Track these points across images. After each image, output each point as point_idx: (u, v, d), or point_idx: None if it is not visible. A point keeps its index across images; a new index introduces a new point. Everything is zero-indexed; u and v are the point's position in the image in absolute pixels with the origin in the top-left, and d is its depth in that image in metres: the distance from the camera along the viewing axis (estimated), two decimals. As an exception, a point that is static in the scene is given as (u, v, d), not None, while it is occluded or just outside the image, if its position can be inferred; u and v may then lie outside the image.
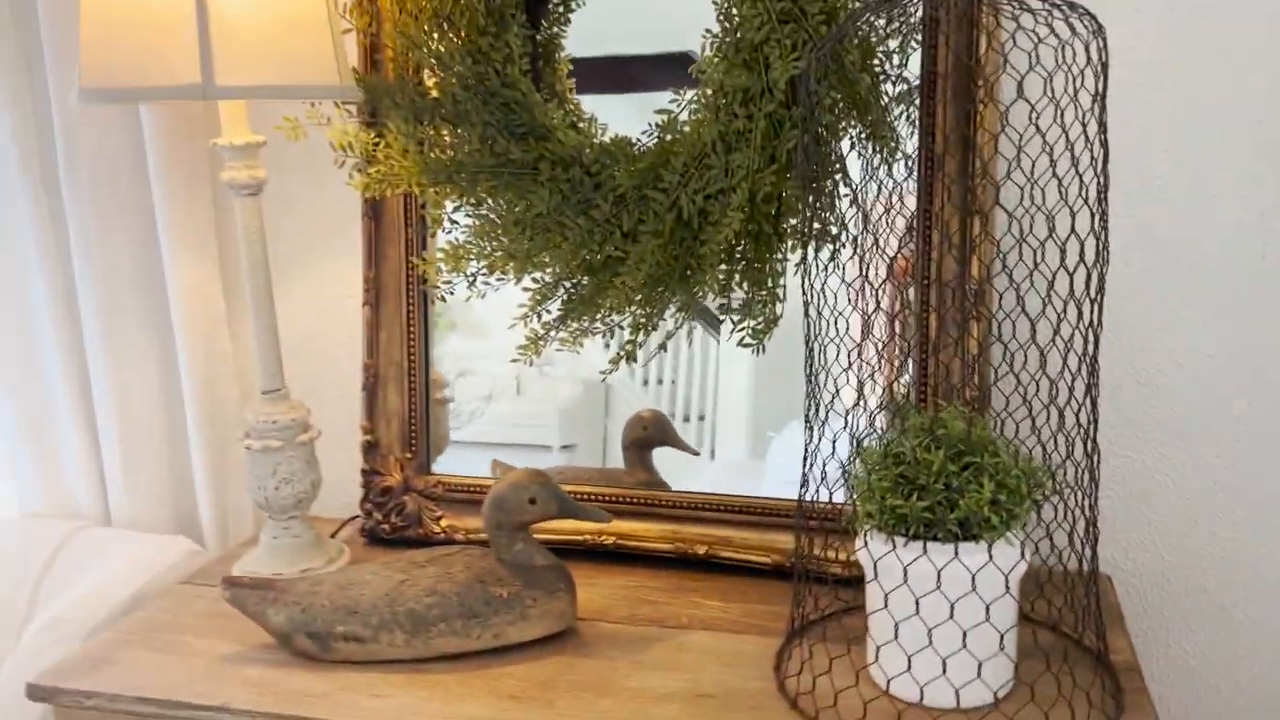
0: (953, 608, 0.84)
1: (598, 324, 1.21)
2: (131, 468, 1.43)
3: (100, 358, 1.40)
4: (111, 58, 0.98)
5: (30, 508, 1.52)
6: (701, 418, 1.35)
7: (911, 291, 1.11)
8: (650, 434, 1.35)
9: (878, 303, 0.97)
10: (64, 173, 1.35)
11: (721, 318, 1.19)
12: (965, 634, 0.84)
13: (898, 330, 1.10)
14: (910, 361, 1.11)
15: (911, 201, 1.10)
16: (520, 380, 1.42)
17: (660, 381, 1.38)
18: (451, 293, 1.24)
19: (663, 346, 1.23)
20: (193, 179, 1.35)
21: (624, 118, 1.22)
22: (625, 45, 1.29)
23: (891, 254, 1.00)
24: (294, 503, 1.18)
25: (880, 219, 1.00)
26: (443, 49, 1.16)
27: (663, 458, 1.33)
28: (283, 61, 1.01)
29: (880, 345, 1.03)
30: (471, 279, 1.22)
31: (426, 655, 1.02)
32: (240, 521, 1.45)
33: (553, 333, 1.22)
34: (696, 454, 1.35)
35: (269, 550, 1.20)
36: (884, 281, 1.01)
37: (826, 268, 0.95)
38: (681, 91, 1.15)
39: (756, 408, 1.35)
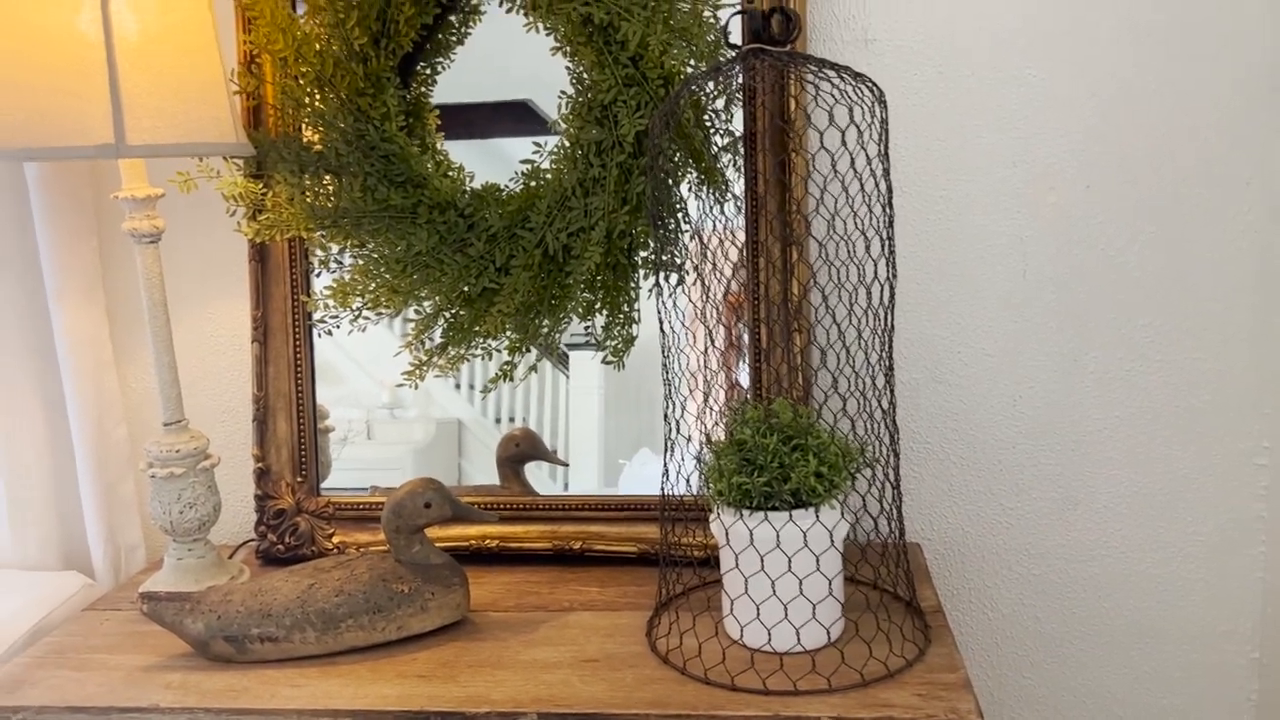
0: (790, 561, 1.02)
1: (475, 349, 1.36)
2: (19, 511, 1.47)
3: (-16, 405, 1.45)
4: (23, 119, 1.07)
5: (-94, 557, 1.53)
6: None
7: (744, 308, 1.31)
8: (522, 449, 1.48)
9: (718, 318, 1.17)
10: (-56, 225, 1.40)
11: (587, 341, 1.36)
12: (801, 582, 1.03)
13: (734, 340, 1.29)
14: (745, 365, 1.31)
15: (740, 235, 1.30)
16: (371, 425, 1.50)
17: (512, 419, 1.48)
18: (336, 328, 1.36)
19: (533, 368, 1.39)
20: (79, 229, 1.42)
21: (465, 160, 1.35)
22: (467, 95, 1.39)
23: (726, 278, 1.20)
24: (197, 525, 1.27)
25: (715, 250, 1.20)
26: (324, 108, 1.29)
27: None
28: (185, 122, 1.12)
29: (720, 353, 1.22)
30: (356, 313, 1.35)
31: (337, 649, 1.13)
32: (132, 557, 1.51)
33: (434, 358, 1.35)
34: (565, 465, 1.50)
35: (174, 571, 1.28)
36: (721, 300, 1.20)
37: (674, 291, 1.14)
38: (542, 143, 1.32)
39: (607, 438, 1.47)
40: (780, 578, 1.03)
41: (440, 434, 1.51)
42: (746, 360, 1.31)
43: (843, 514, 1.06)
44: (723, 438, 1.13)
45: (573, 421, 1.47)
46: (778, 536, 1.02)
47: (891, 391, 1.10)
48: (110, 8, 1.07)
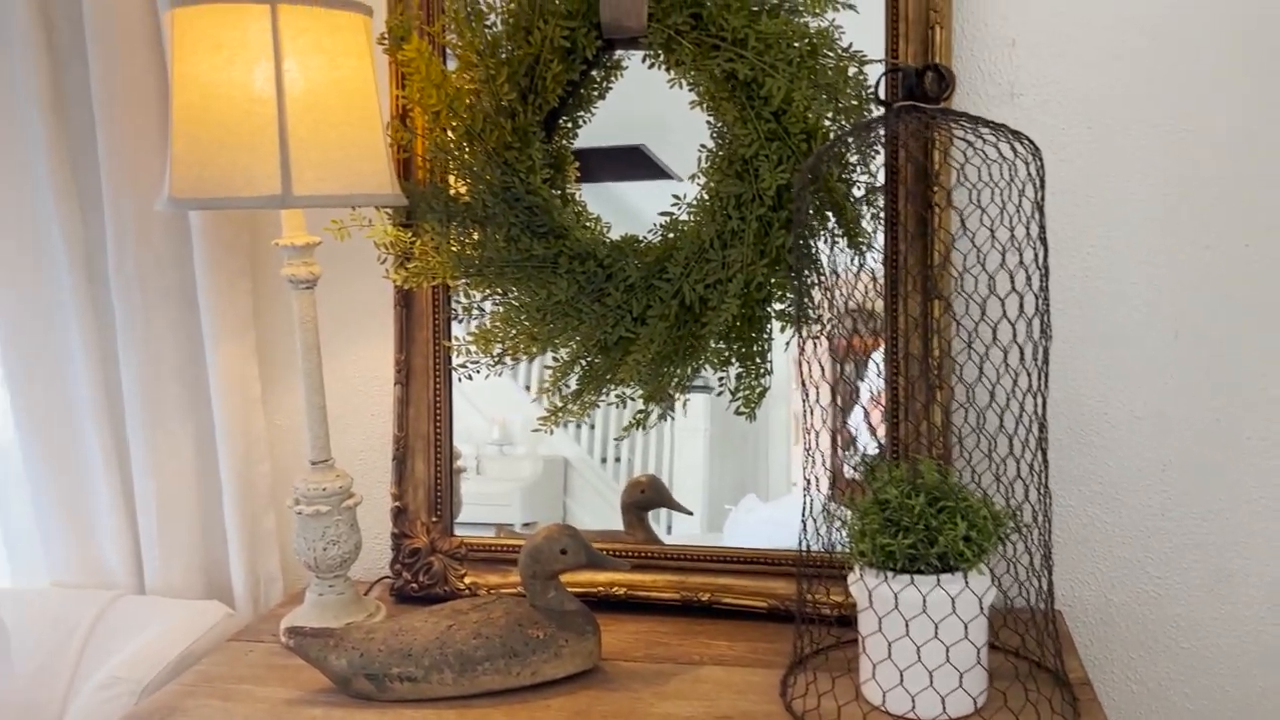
0: (937, 628, 1.00)
1: (608, 397, 1.37)
2: (168, 540, 1.54)
3: (140, 439, 1.52)
4: (200, 172, 1.13)
5: (61, 577, 1.61)
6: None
7: (881, 364, 1.29)
8: (648, 496, 1.48)
9: (856, 373, 1.15)
10: (113, 268, 1.48)
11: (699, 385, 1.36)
12: (948, 649, 1.00)
13: (873, 397, 1.28)
14: (883, 423, 1.29)
15: (869, 283, 1.29)
16: (480, 461, 1.52)
17: (618, 459, 1.49)
18: (475, 374, 1.39)
19: (663, 416, 1.39)
20: (234, 273, 1.49)
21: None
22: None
23: (862, 333, 1.19)
24: (339, 562, 1.31)
25: (852, 304, 1.19)
26: (473, 161, 1.33)
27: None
28: (346, 174, 1.17)
29: (859, 410, 1.20)
30: (497, 359, 1.38)
31: (472, 692, 1.15)
32: (270, 589, 1.56)
33: (569, 405, 1.37)
34: (690, 514, 1.50)
35: (315, 606, 1.32)
36: (859, 357, 1.19)
37: (815, 345, 1.13)
38: (680, 196, 1.33)
39: (712, 482, 1.46)
40: (926, 644, 1.00)
41: (547, 471, 1.52)
42: (866, 413, 1.29)
43: (993, 580, 1.03)
44: (855, 494, 1.11)
45: (677, 463, 1.46)
46: (924, 601, 1.00)
47: (1044, 454, 1.07)
48: (284, 66, 1.13)
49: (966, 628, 1.00)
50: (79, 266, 1.51)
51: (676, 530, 1.46)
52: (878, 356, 1.29)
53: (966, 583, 1.00)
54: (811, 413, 1.11)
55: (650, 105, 1.37)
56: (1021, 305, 1.05)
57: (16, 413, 1.57)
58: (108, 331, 1.53)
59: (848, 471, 1.25)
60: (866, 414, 1.27)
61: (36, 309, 1.54)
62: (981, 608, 1.01)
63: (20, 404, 1.56)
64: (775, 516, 1.45)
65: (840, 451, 1.22)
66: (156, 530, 1.54)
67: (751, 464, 1.47)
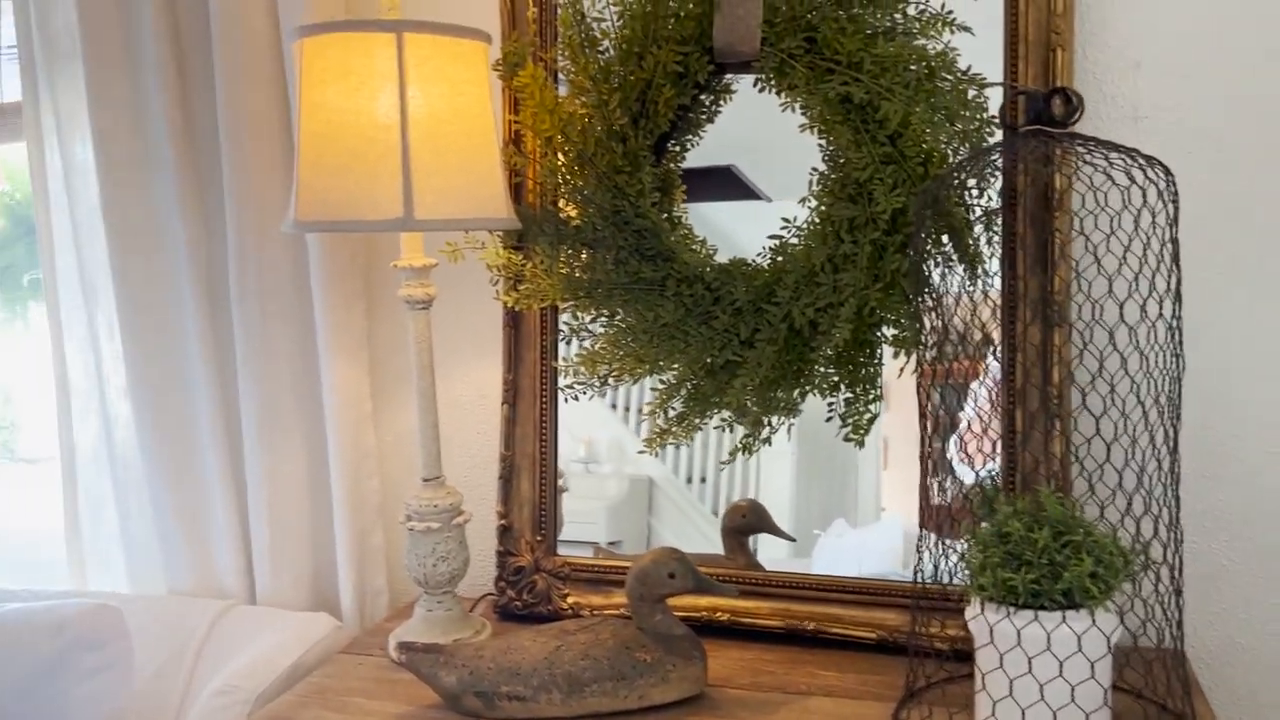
0: (1061, 666, 0.97)
1: (713, 420, 1.37)
2: (279, 552, 1.58)
3: (256, 452, 1.57)
4: (324, 195, 1.16)
5: (178, 587, 1.67)
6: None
7: (995, 392, 1.26)
8: (749, 520, 1.47)
9: (979, 400, 1.13)
10: (234, 287, 1.54)
11: (830, 415, 1.34)
12: (1073, 689, 0.96)
13: (988, 425, 1.25)
14: (999, 453, 1.26)
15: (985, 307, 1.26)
16: (566, 477, 1.52)
17: (704, 479, 1.48)
18: (581, 394, 1.41)
19: (766, 440, 1.38)
20: (349, 294, 1.53)
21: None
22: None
23: (971, 355, 1.16)
24: (448, 579, 1.33)
25: (970, 330, 1.17)
26: (584, 185, 1.35)
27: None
28: (464, 198, 1.19)
29: (978, 438, 1.18)
30: (603, 380, 1.39)
31: (580, 713, 1.15)
32: (376, 602, 1.59)
33: (674, 427, 1.37)
34: (793, 540, 1.48)
35: (424, 621, 1.33)
36: (980, 383, 1.16)
37: (934, 372, 1.11)
38: (791, 219, 1.33)
39: (798, 506, 1.44)
40: (1050, 682, 0.97)
41: (632, 490, 1.52)
42: (962, 442, 1.25)
43: (1121, 619, 1.00)
44: (986, 527, 1.08)
45: (764, 486, 1.44)
46: (1049, 639, 0.97)
47: (1177, 490, 1.03)
48: (408, 94, 1.15)
49: (1093, 667, 0.97)
50: (201, 285, 1.57)
51: (763, 554, 1.44)
52: (976, 384, 1.26)
53: (1093, 620, 0.97)
54: (929, 440, 1.08)
55: (741, 127, 1.37)
56: (1152, 334, 1.02)
57: (140, 425, 1.63)
58: (227, 348, 1.58)
59: (959, 499, 1.22)
60: (963, 442, 1.24)
61: (161, 325, 1.61)
62: (1108, 647, 0.98)
63: (143, 417, 1.63)
64: (866, 541, 1.43)
65: (952, 480, 1.19)
66: (268, 542, 1.58)
67: (840, 488, 1.45)
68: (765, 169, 1.42)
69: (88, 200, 1.63)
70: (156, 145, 1.56)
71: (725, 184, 1.44)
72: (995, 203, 1.24)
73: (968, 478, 1.25)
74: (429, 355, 1.32)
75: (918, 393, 1.08)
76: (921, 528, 1.10)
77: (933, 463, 1.09)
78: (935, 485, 1.09)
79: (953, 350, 1.17)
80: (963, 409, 1.27)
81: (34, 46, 1.64)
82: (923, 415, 1.08)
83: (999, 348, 1.25)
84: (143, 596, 1.68)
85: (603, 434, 1.53)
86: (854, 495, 1.46)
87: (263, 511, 1.58)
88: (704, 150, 1.39)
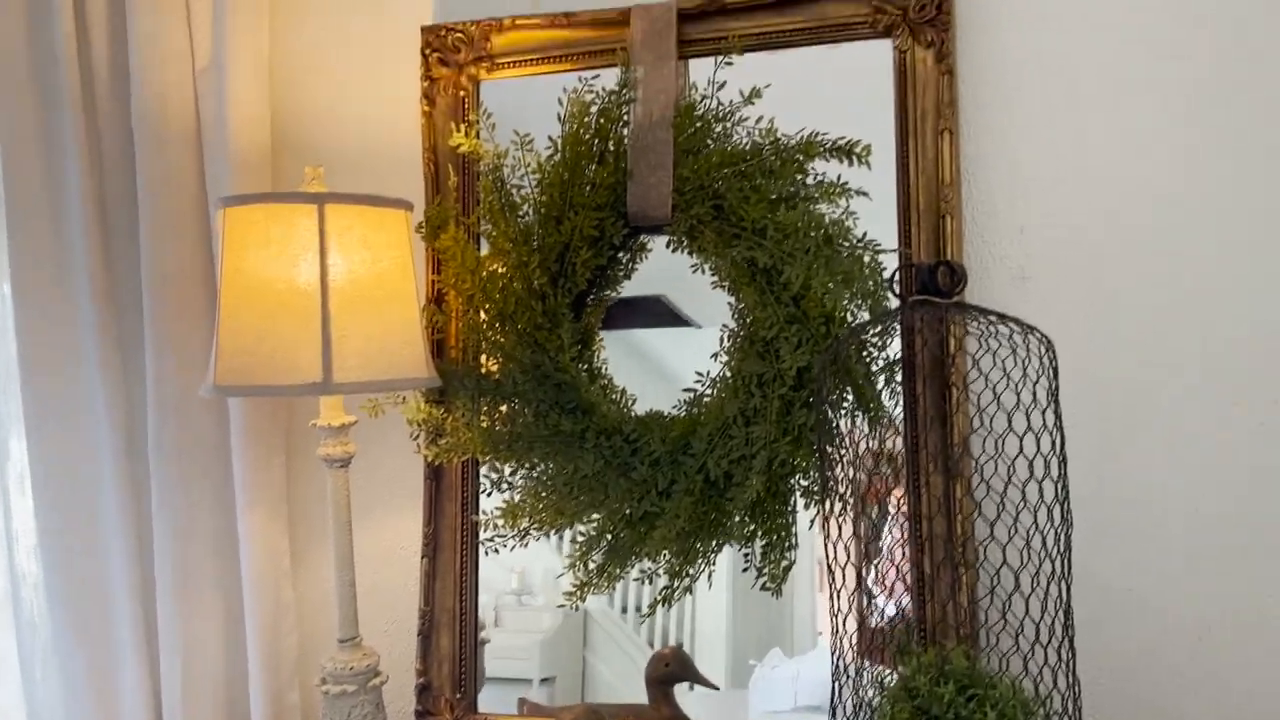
0: (972, 824, 0.98)
1: (632, 572, 1.38)
2: (191, 705, 1.53)
3: (170, 610, 1.53)
4: (243, 360, 1.18)
5: (84, 754, 1.60)
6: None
7: (904, 540, 1.30)
8: (672, 670, 1.45)
9: (879, 550, 1.17)
10: (151, 441, 1.53)
11: (746, 562, 1.37)
12: (984, 847, 0.98)
13: (896, 574, 1.28)
14: (908, 603, 1.29)
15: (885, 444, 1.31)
16: (499, 611, 1.51)
17: (639, 609, 1.47)
18: (502, 547, 1.41)
19: (688, 590, 1.39)
20: (269, 449, 1.53)
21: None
22: None
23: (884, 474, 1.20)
24: (365, 744, 1.30)
25: (874, 480, 1.21)
26: (504, 341, 1.39)
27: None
28: (384, 359, 1.22)
29: (882, 586, 1.21)
30: (524, 533, 1.40)
31: None
32: (293, 764, 1.54)
33: (594, 579, 1.38)
34: (717, 689, 1.48)
35: (338, 788, 1.30)
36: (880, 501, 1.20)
37: (840, 520, 1.15)
38: (704, 374, 1.38)
39: (735, 633, 1.45)
40: (961, 840, 0.99)
41: (566, 624, 1.51)
42: (909, 598, 1.29)
43: (1025, 772, 1.02)
44: (893, 683, 1.11)
45: (700, 616, 1.45)
46: (958, 795, 0.98)
47: (1071, 641, 1.07)
48: (328, 261, 1.19)
49: (1002, 824, 0.98)
50: (119, 439, 1.55)
51: (700, 688, 1.42)
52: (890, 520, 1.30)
53: (1000, 775, 0.99)
54: (838, 596, 1.11)
55: (670, 259, 1.41)
56: (1040, 492, 1.07)
57: (49, 586, 1.58)
58: (143, 503, 1.56)
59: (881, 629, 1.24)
60: (880, 575, 1.27)
61: (75, 481, 1.58)
62: (1016, 802, 0.99)
63: (53, 578, 1.58)
64: (801, 672, 1.43)
65: (869, 616, 1.22)
66: (181, 704, 1.53)
67: (776, 613, 1.45)
68: (694, 297, 1.45)
69: (5, 351, 1.62)
70: (78, 303, 1.56)
71: (656, 312, 1.49)
72: (895, 356, 1.30)
73: (889, 610, 1.28)
74: (347, 513, 1.33)
75: (824, 545, 1.12)
76: (835, 682, 1.12)
77: (843, 619, 1.12)
78: (846, 635, 1.12)
79: (861, 486, 1.22)
80: (878, 541, 1.31)
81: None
82: (829, 570, 1.11)
83: (903, 498, 1.30)
84: (45, 765, 1.60)
85: (537, 564, 1.52)
86: (790, 619, 1.46)
87: (176, 672, 1.53)
88: (636, 279, 1.43)
